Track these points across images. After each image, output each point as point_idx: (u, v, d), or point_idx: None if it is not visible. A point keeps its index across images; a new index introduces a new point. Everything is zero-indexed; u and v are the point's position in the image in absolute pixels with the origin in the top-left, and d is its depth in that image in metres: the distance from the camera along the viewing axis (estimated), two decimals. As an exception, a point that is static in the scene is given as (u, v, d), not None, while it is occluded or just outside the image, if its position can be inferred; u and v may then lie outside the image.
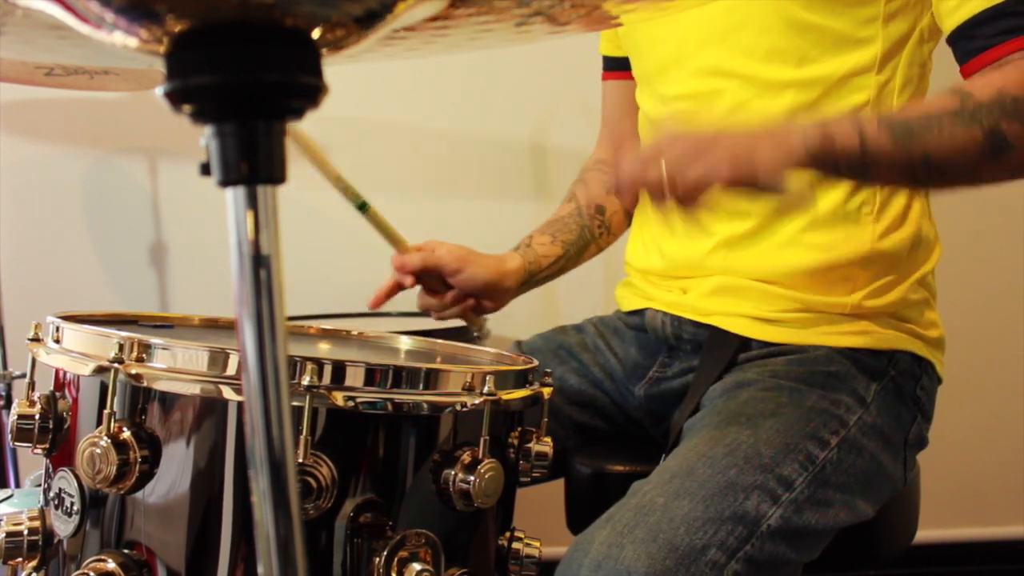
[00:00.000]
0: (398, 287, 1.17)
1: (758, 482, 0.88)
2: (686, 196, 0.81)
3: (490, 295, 1.17)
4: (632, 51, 1.19)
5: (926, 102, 0.91)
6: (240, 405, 0.71)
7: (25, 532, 0.78)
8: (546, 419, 0.86)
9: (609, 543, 0.83)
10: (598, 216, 1.28)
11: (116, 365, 0.71)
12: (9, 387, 1.55)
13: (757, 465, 0.89)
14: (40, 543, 0.78)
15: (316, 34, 0.42)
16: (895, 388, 1.03)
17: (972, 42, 0.92)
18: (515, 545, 0.85)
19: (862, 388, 1.00)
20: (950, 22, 0.94)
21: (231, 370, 0.71)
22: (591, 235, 1.28)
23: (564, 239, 1.25)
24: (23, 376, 1.19)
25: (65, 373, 0.80)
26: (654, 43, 1.11)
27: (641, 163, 0.83)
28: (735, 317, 1.05)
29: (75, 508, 0.75)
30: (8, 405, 1.53)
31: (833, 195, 1.02)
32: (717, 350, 1.06)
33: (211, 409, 0.72)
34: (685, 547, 0.82)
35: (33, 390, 0.80)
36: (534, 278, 1.23)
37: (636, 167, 0.83)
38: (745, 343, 1.05)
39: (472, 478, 0.75)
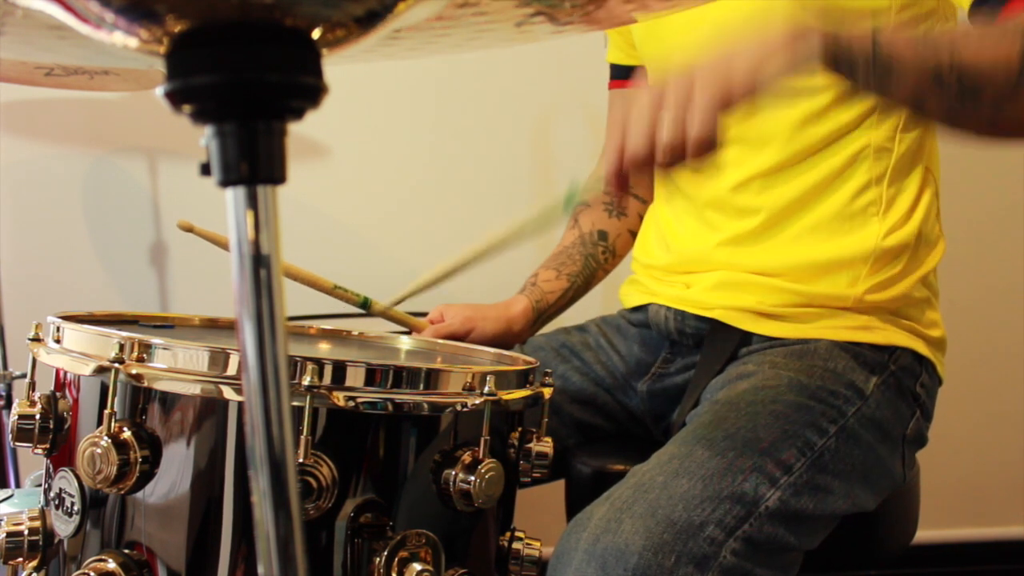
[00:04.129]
0: None
1: (757, 465, 0.88)
2: (697, 146, 0.72)
3: (503, 343, 1.19)
4: (649, 60, 1.19)
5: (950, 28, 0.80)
6: (240, 405, 0.71)
7: (25, 532, 0.78)
8: (546, 419, 0.86)
9: (608, 518, 0.83)
10: (601, 242, 1.29)
11: (116, 365, 0.71)
12: (9, 387, 1.54)
13: (755, 449, 0.89)
14: (40, 543, 0.78)
15: (316, 34, 0.42)
16: (895, 383, 1.03)
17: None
18: (515, 545, 0.85)
19: (861, 381, 1.00)
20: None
21: (231, 370, 0.71)
22: (596, 262, 1.29)
23: (569, 271, 1.26)
24: (23, 376, 1.19)
25: (65, 373, 0.80)
26: (671, 52, 1.12)
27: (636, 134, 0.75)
28: (737, 311, 1.06)
29: (75, 508, 0.75)
30: (8, 405, 1.53)
31: (840, 194, 1.03)
32: (718, 344, 1.06)
33: (211, 409, 0.72)
34: (683, 523, 0.82)
35: (33, 390, 0.80)
36: (543, 315, 1.25)
37: (634, 143, 0.75)
38: (746, 337, 1.05)
39: (472, 478, 0.75)
